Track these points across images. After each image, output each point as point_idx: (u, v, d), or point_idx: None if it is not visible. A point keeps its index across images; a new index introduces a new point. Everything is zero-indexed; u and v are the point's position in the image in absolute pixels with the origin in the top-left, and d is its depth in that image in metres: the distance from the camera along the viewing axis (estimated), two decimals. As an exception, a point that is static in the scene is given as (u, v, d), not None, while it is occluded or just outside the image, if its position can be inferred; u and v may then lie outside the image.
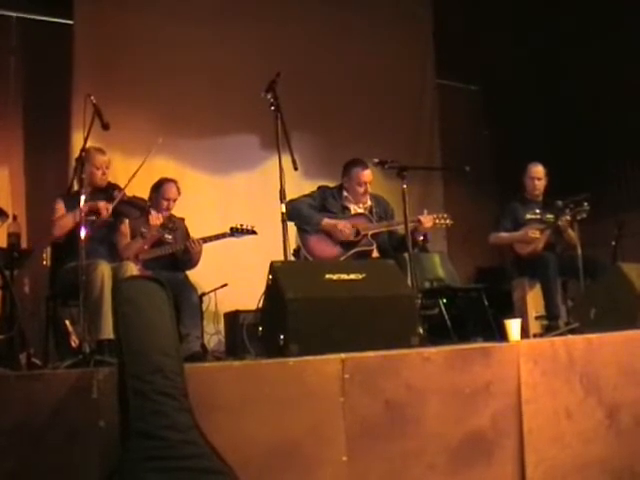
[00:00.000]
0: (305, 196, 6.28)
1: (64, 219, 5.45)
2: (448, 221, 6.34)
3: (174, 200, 6.26)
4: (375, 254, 6.21)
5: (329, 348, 3.84)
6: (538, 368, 4.19)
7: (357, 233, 6.12)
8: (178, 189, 6.31)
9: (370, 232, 6.15)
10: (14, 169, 7.52)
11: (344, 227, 6.08)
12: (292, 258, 5.68)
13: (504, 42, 9.84)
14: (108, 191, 5.62)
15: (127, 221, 5.82)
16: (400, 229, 6.22)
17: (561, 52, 9.80)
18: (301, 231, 6.16)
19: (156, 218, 5.80)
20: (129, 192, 5.66)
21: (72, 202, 5.41)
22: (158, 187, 6.29)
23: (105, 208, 5.39)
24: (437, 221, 6.19)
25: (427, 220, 6.05)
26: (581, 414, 4.27)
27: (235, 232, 6.23)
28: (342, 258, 6.06)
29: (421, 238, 6.15)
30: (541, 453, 4.10)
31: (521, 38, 9.99)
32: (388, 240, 6.34)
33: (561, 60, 9.85)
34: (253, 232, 6.29)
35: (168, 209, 6.22)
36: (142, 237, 5.84)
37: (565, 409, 4.22)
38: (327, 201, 6.27)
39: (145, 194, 6.13)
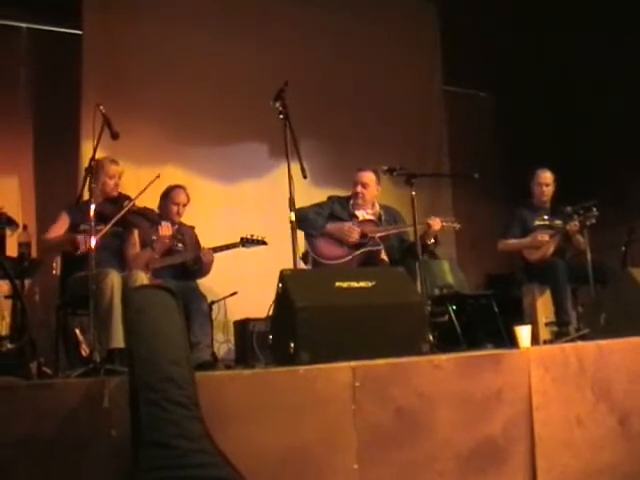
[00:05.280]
0: (313, 205, 6.31)
1: (53, 240, 5.55)
2: (456, 224, 6.38)
3: (184, 205, 6.26)
4: (383, 256, 6.23)
5: (340, 356, 3.84)
6: (549, 375, 4.18)
7: (364, 235, 6.13)
8: (187, 194, 6.32)
9: (378, 234, 6.16)
10: (24, 179, 7.54)
11: (350, 229, 6.11)
12: (300, 262, 5.67)
13: (513, 48, 9.82)
14: (119, 201, 5.63)
15: (136, 231, 5.83)
16: (410, 235, 6.26)
17: (573, 57, 9.78)
18: (308, 235, 6.20)
19: (166, 229, 5.80)
20: (139, 203, 5.68)
21: (80, 212, 5.46)
22: (167, 193, 6.30)
23: (84, 242, 5.40)
24: (445, 224, 6.20)
25: (435, 223, 6.05)
26: (592, 421, 4.25)
27: (246, 242, 6.25)
28: (349, 258, 6.09)
29: (432, 241, 6.13)
30: (552, 460, 4.08)
31: (531, 43, 9.97)
32: (398, 245, 6.36)
33: (572, 65, 9.83)
34: (263, 243, 6.31)
35: (178, 214, 6.22)
36: (152, 248, 5.84)
37: (576, 416, 4.21)
38: (335, 209, 6.30)
39: (153, 203, 6.13)
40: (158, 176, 5.64)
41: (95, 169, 5.18)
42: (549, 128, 10.02)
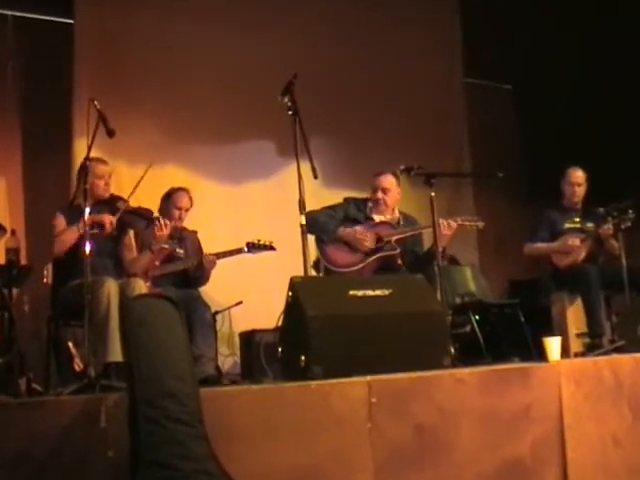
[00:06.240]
0: (326, 207, 6.31)
1: (66, 234, 5.46)
2: (479, 222, 6.29)
3: (186, 210, 6.26)
4: (400, 262, 6.20)
5: (354, 370, 3.85)
6: (581, 390, 4.18)
7: (379, 239, 6.12)
8: (190, 198, 6.30)
9: (393, 238, 6.14)
10: (12, 180, 7.53)
11: (362, 235, 6.09)
12: (312, 270, 5.67)
13: (538, 37, 9.78)
14: (112, 203, 5.62)
15: (132, 232, 5.82)
16: (424, 245, 6.25)
17: (601, 48, 9.74)
18: (319, 241, 6.19)
19: (164, 227, 5.78)
20: (135, 203, 5.67)
21: (74, 215, 5.43)
22: (169, 196, 6.29)
23: (109, 222, 5.39)
24: (468, 223, 6.16)
25: (446, 227, 5.96)
26: (630, 441, 4.24)
27: (252, 248, 6.23)
28: (363, 265, 6.07)
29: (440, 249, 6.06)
30: (586, 483, 4.07)
31: (557, 32, 9.94)
32: (414, 259, 6.31)
33: (600, 56, 9.80)
34: (271, 248, 6.29)
35: (180, 219, 6.21)
36: (150, 250, 5.83)
37: (612, 436, 4.20)
38: (350, 211, 6.28)
39: (153, 205, 6.13)
40: (150, 165, 5.64)
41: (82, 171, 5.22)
42: (579, 124, 9.97)
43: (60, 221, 5.61)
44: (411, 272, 5.91)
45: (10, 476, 3.08)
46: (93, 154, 4.94)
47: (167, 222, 5.84)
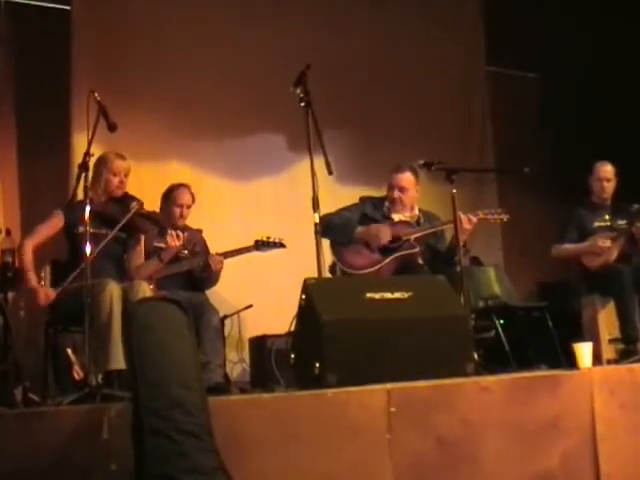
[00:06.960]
0: (341, 209, 6.30)
1: (25, 257, 5.52)
2: (503, 216, 6.25)
3: (188, 207, 6.24)
4: (421, 260, 6.17)
5: (372, 377, 3.85)
6: (615, 400, 4.16)
7: (398, 238, 6.10)
8: (192, 194, 6.29)
9: (412, 236, 6.12)
10: (6, 178, 7.52)
11: (378, 229, 6.08)
12: (327, 274, 5.66)
13: (566, 22, 9.75)
14: (124, 202, 5.60)
15: (144, 238, 5.80)
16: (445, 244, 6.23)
17: (630, 34, 9.71)
18: (335, 245, 6.18)
19: (176, 238, 5.77)
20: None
21: (78, 212, 5.41)
22: (168, 194, 6.28)
23: (44, 297, 5.37)
24: (490, 216, 6.14)
25: (466, 221, 5.94)
26: (668, 453, 4.22)
27: (261, 246, 6.22)
28: (381, 265, 6.06)
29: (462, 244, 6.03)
30: (621, 499, 4.06)
31: (585, 19, 9.91)
32: (434, 259, 6.29)
33: (630, 44, 9.76)
34: (281, 245, 6.28)
35: (182, 217, 6.20)
36: (159, 259, 5.82)
37: (650, 448, 4.18)
38: (367, 210, 6.26)
39: (157, 204, 6.14)
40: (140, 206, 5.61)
41: (97, 165, 5.22)
42: (609, 115, 9.93)
43: (58, 219, 5.59)
44: (433, 273, 5.90)
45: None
46: (94, 150, 4.94)
47: (180, 234, 5.84)
